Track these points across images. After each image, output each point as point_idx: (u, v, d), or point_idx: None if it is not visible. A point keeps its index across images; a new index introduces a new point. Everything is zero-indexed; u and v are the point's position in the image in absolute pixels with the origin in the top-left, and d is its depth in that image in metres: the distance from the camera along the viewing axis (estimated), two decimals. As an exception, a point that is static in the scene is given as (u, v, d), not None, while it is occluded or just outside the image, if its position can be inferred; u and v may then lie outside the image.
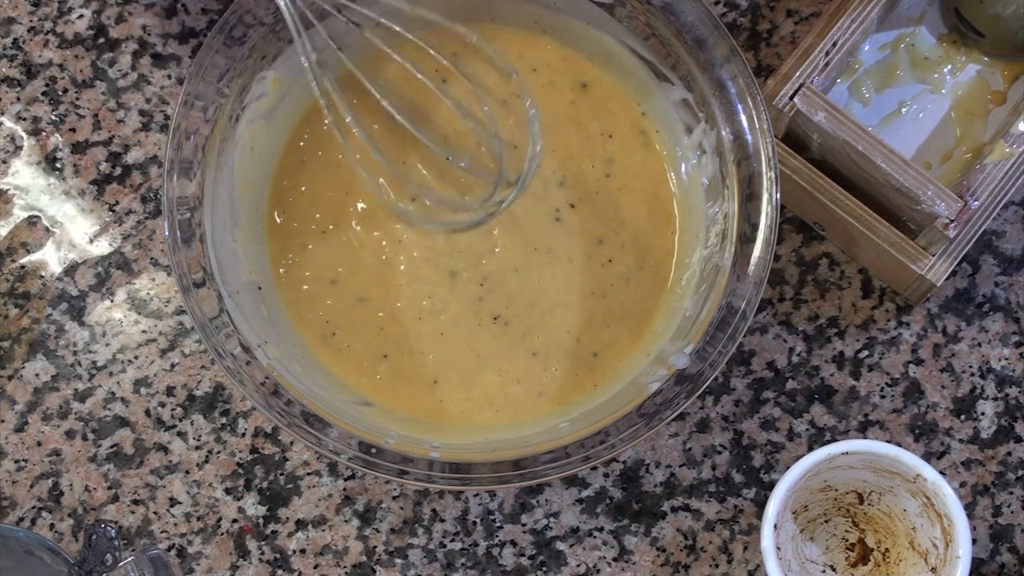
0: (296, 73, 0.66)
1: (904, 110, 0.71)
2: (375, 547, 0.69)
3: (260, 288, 0.65)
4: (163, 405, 0.70)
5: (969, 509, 0.68)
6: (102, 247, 0.72)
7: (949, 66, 0.71)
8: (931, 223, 0.64)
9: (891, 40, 0.71)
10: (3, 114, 0.74)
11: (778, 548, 0.63)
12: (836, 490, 0.66)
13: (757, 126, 0.61)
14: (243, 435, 0.70)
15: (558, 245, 0.67)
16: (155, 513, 0.69)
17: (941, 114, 0.71)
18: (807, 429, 0.69)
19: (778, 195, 0.61)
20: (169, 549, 0.69)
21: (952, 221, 0.64)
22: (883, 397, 0.69)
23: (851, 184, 0.67)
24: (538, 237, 0.67)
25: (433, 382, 0.66)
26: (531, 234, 0.67)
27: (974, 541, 0.67)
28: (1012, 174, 0.65)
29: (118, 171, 0.73)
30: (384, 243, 0.67)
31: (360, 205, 0.67)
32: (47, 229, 0.73)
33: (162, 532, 0.69)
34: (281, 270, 0.66)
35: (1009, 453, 0.69)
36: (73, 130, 0.74)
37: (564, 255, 0.67)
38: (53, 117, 0.74)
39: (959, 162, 0.70)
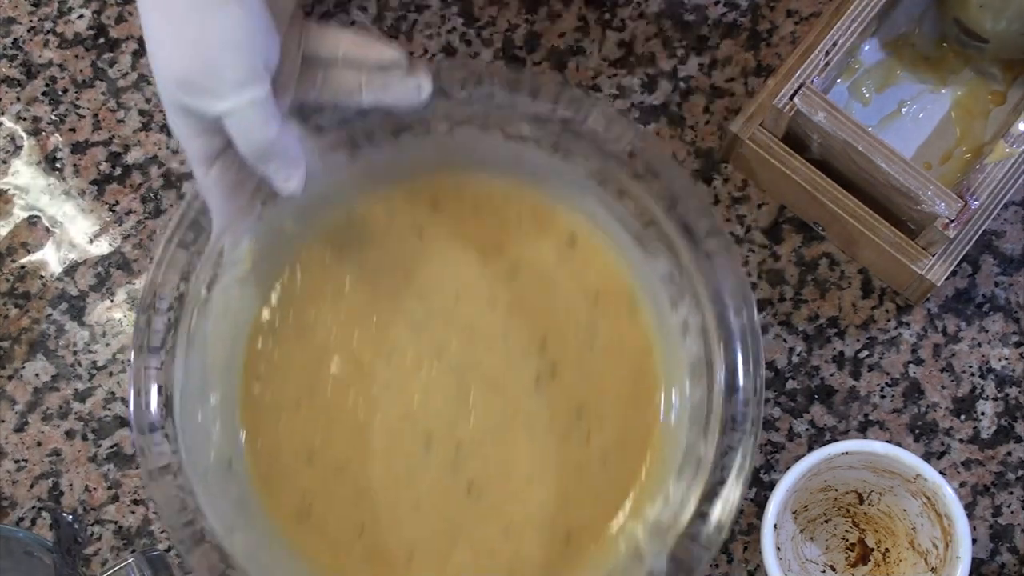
0: (272, 239, 0.64)
1: (904, 110, 0.71)
2: None
3: (231, 464, 0.63)
4: (163, 405, 0.70)
5: (969, 509, 0.68)
6: (102, 247, 0.72)
7: (949, 66, 0.71)
8: (931, 223, 0.64)
9: (891, 40, 0.71)
10: (3, 114, 0.74)
11: (778, 548, 0.63)
12: (836, 490, 0.66)
13: (746, 318, 0.59)
14: (243, 435, 0.70)
15: (536, 413, 0.64)
16: (155, 513, 0.69)
17: (941, 114, 0.71)
18: (807, 429, 0.69)
19: (762, 388, 0.59)
20: (169, 549, 0.69)
21: (952, 221, 0.64)
22: (883, 397, 0.69)
23: (851, 184, 0.67)
24: (516, 403, 0.64)
25: (408, 559, 0.63)
26: (509, 400, 0.64)
27: (974, 541, 0.67)
28: (1012, 174, 0.65)
29: (118, 171, 0.73)
30: (360, 404, 0.64)
31: (334, 369, 0.65)
32: (47, 229, 0.73)
33: (162, 532, 0.69)
34: (257, 443, 0.64)
35: (1009, 453, 0.69)
36: (73, 130, 0.74)
37: (541, 423, 0.64)
38: (53, 117, 0.74)
39: (959, 162, 0.70)
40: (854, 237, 0.68)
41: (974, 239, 0.66)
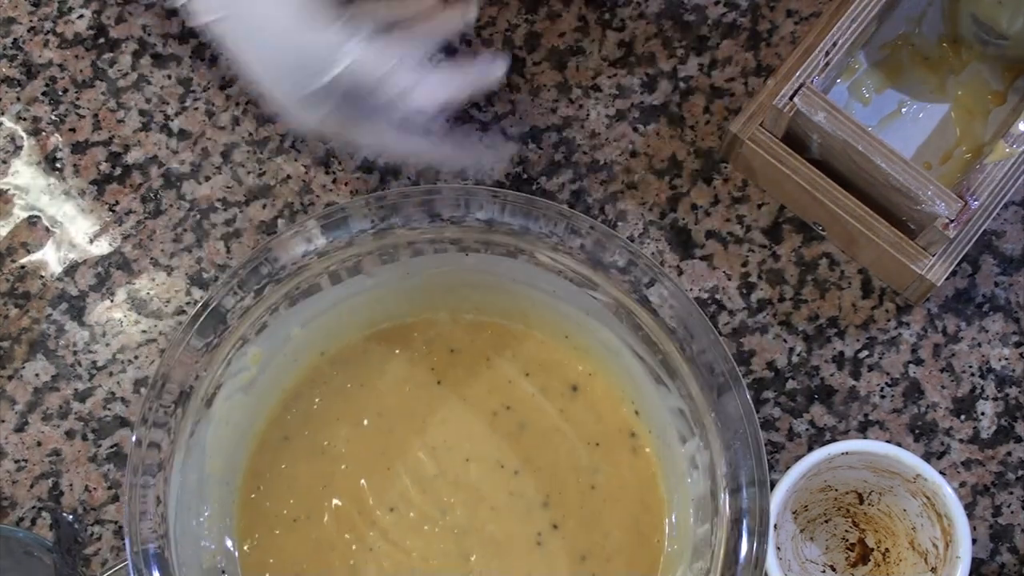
0: (280, 344, 0.64)
1: (904, 110, 0.71)
2: None
3: (223, 573, 0.63)
4: (163, 405, 0.70)
5: (969, 509, 0.68)
6: (102, 247, 0.72)
7: (949, 66, 0.71)
8: (931, 223, 0.64)
9: (891, 40, 0.71)
10: (3, 114, 0.74)
11: (778, 548, 0.63)
12: (836, 490, 0.66)
13: (755, 468, 0.58)
14: (243, 435, 0.70)
15: (538, 570, 0.64)
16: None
17: (941, 114, 0.71)
18: (807, 429, 0.69)
19: (768, 543, 0.58)
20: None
21: (952, 221, 0.64)
22: (883, 397, 0.69)
23: (851, 184, 0.67)
24: (517, 564, 0.64)
25: None
26: (510, 561, 0.64)
27: (974, 541, 0.67)
28: (1012, 174, 0.65)
29: (118, 171, 0.73)
30: (354, 547, 0.64)
31: (336, 502, 0.64)
32: (47, 229, 0.73)
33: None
34: (246, 547, 0.64)
35: (1009, 453, 0.69)
36: (73, 130, 0.74)
37: None
38: (53, 117, 0.74)
39: (959, 162, 0.70)
40: (854, 237, 0.68)
41: (974, 239, 0.66)
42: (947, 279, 0.69)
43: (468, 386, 0.66)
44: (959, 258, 0.66)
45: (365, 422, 0.65)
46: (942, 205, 0.63)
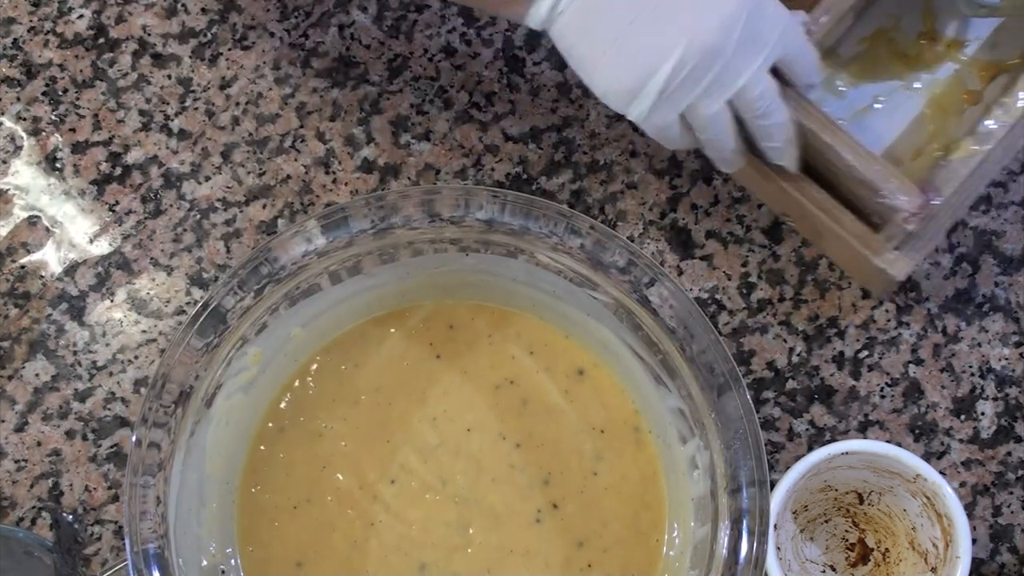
0: (280, 344, 0.64)
1: (877, 105, 0.70)
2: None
3: (223, 572, 0.63)
4: (163, 405, 0.70)
5: (969, 509, 0.68)
6: (102, 247, 0.72)
7: (926, 63, 0.71)
8: (894, 216, 0.64)
9: (869, 35, 0.71)
10: (3, 114, 0.74)
11: (778, 548, 0.63)
12: (836, 490, 0.66)
13: (755, 468, 0.58)
14: (243, 435, 0.70)
15: (536, 548, 0.64)
16: None
17: (915, 111, 0.70)
18: (807, 429, 0.69)
19: (768, 543, 0.58)
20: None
21: (913, 215, 0.63)
22: (883, 397, 0.69)
23: (819, 176, 0.67)
24: (515, 538, 0.64)
25: None
26: (509, 534, 0.64)
27: (974, 541, 0.67)
28: (977, 171, 0.64)
29: (118, 171, 0.73)
30: (357, 523, 0.64)
31: (337, 475, 0.65)
32: (47, 229, 0.73)
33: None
34: (250, 548, 0.64)
35: (1009, 453, 0.69)
36: (73, 130, 0.74)
37: (541, 559, 0.64)
38: (53, 117, 0.74)
39: (930, 159, 0.69)
40: (820, 230, 0.68)
41: (939, 235, 0.65)
42: (947, 279, 0.69)
43: (469, 360, 0.66)
44: (923, 253, 0.65)
45: (363, 398, 0.66)
46: (904, 199, 0.63)
